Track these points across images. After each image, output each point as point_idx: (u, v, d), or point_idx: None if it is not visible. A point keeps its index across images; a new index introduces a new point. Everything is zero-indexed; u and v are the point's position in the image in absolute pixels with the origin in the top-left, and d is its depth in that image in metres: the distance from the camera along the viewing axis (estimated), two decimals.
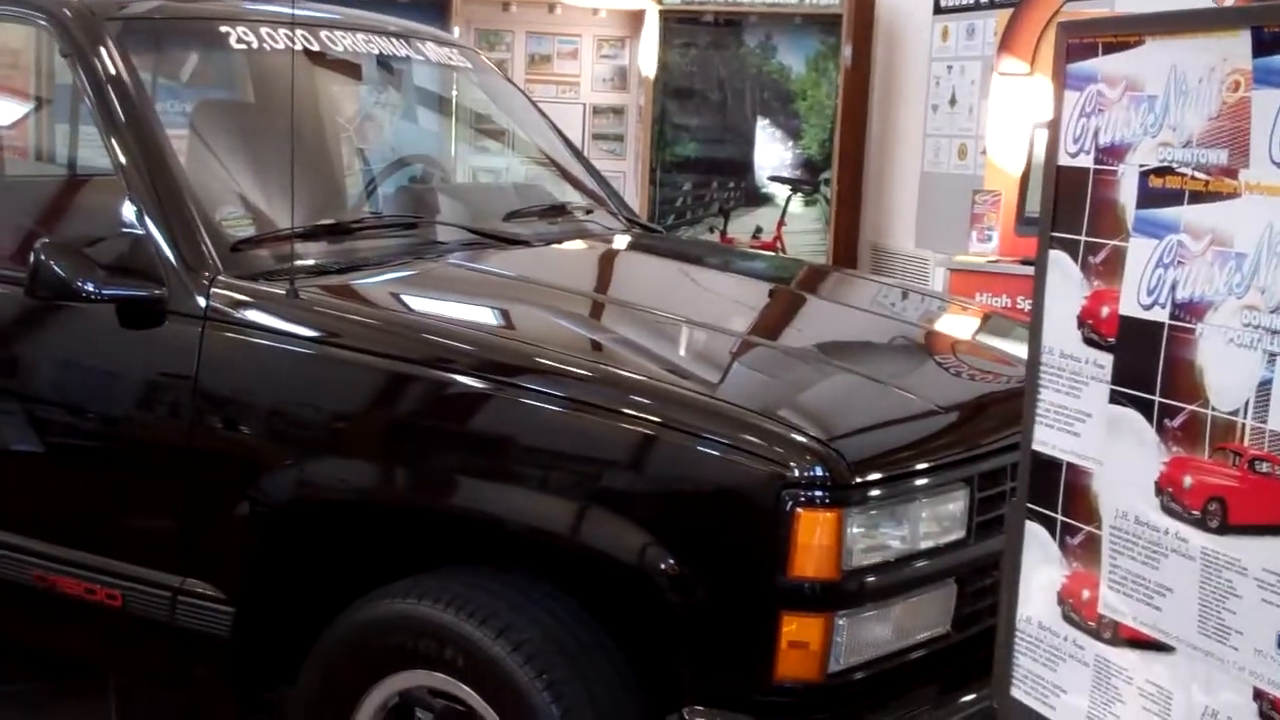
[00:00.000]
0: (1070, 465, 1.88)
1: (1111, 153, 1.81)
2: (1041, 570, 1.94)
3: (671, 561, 2.38)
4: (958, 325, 3.57)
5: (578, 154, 4.19)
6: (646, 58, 7.94)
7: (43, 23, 3.10)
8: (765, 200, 7.89)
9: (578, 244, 3.70)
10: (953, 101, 6.71)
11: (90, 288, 2.75)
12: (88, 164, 3.57)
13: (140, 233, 2.87)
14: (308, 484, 2.68)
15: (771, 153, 7.91)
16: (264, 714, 2.94)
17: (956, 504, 2.51)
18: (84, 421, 2.92)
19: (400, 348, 2.66)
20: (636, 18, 8.00)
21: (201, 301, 2.79)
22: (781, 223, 7.54)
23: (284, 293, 2.80)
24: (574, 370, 2.59)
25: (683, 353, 2.91)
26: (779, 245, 7.45)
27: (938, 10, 6.79)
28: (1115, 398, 1.80)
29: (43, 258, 2.74)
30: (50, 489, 3.01)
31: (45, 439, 2.96)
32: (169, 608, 2.82)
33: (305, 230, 3.01)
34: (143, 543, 2.87)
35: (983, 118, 6.27)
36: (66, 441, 2.94)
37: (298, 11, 3.16)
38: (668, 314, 3.05)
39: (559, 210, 3.81)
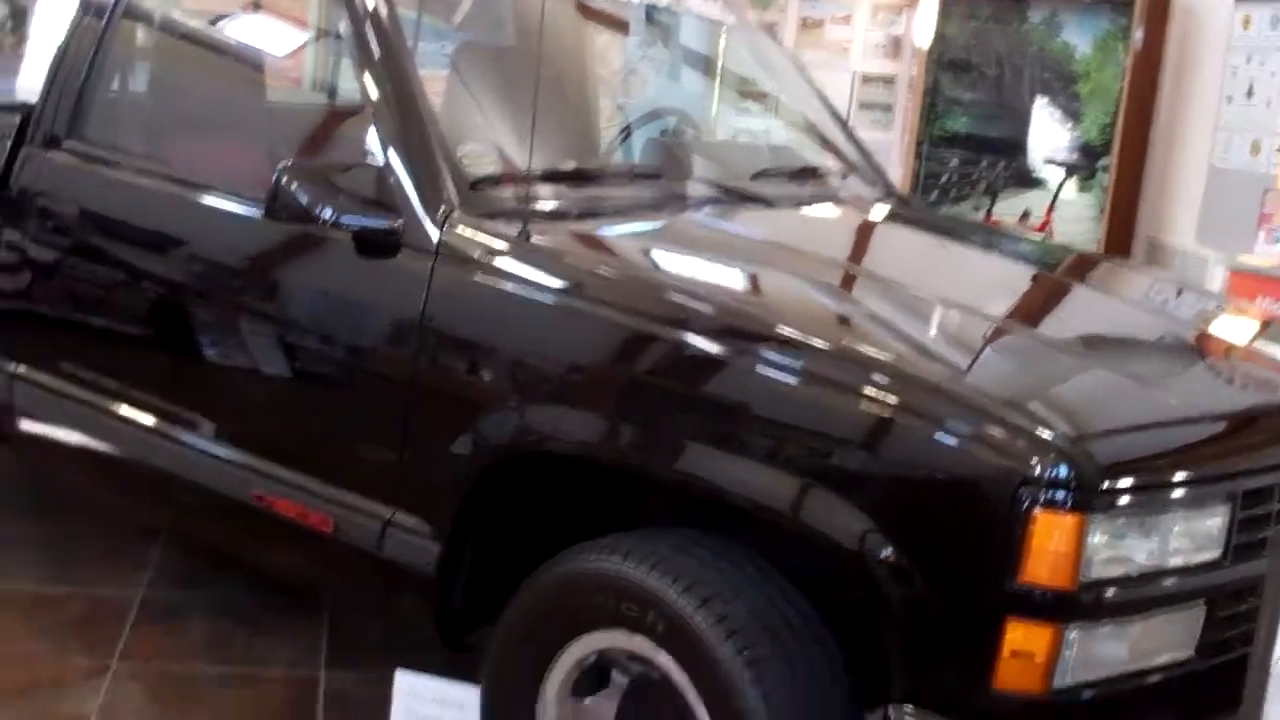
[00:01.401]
0: None
1: None
2: None
3: (893, 551, 2.23)
4: (1234, 329, 3.28)
5: (840, 121, 4.02)
6: (923, 27, 7.67)
7: None
8: (1036, 183, 7.55)
9: (829, 209, 3.55)
10: (1250, 94, 6.29)
11: (328, 214, 2.74)
12: (342, 94, 3.58)
13: (382, 164, 2.84)
14: (529, 431, 2.61)
15: (1047, 134, 7.55)
16: (466, 654, 2.89)
17: (1214, 521, 2.29)
18: (312, 346, 2.91)
19: (638, 303, 2.57)
20: None
21: (435, 236, 2.75)
22: (1052, 208, 7.19)
23: (517, 234, 2.74)
24: (815, 343, 2.44)
25: (931, 333, 2.74)
26: (1048, 231, 7.12)
27: None
28: None
29: (284, 180, 2.73)
30: (274, 409, 3.02)
31: (273, 360, 2.96)
32: (378, 538, 2.79)
33: (544, 173, 2.95)
34: (359, 471, 2.85)
35: None
36: (294, 364, 2.94)
37: None
38: (919, 290, 2.88)
39: (810, 173, 3.66)
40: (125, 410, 3.24)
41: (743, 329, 2.47)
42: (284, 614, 3.68)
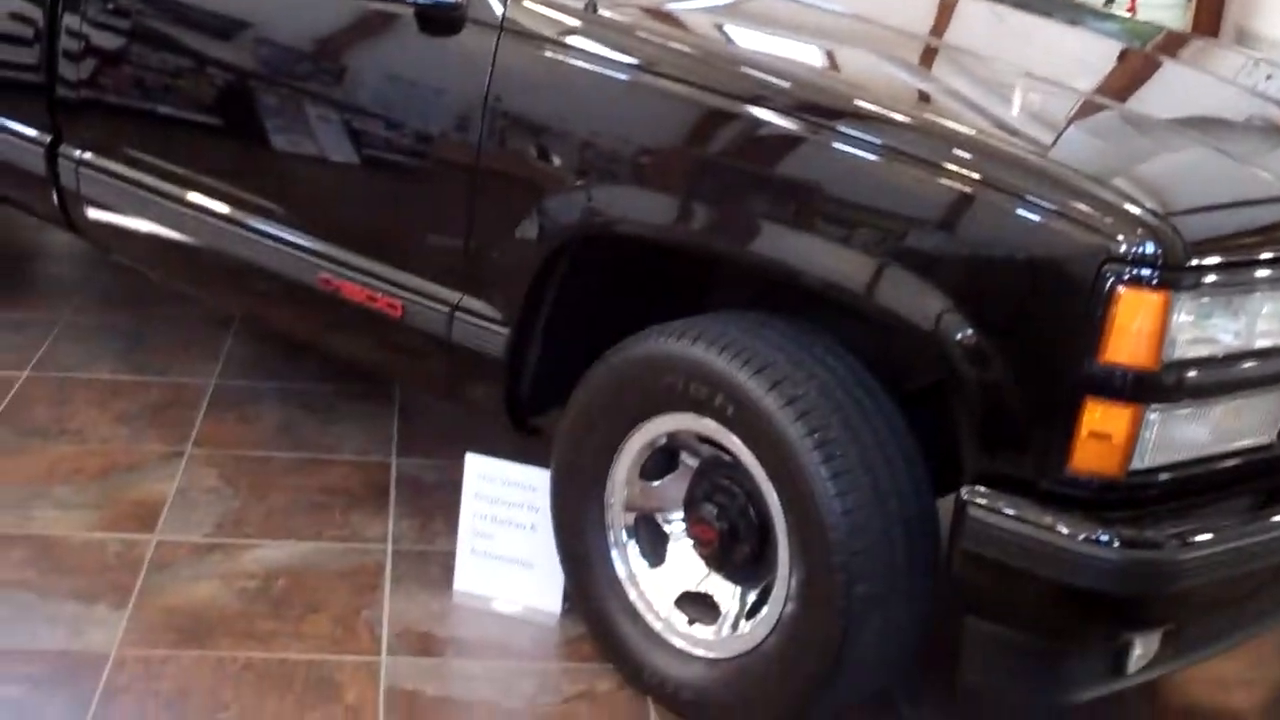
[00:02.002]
0: None
1: None
2: None
3: (970, 332, 2.17)
4: None
5: None
6: None
7: None
8: None
9: None
10: None
11: None
12: None
13: None
14: (597, 213, 2.56)
15: None
16: (533, 440, 2.90)
17: None
18: (377, 130, 2.85)
19: (712, 79, 2.48)
20: None
21: (500, 10, 2.66)
22: None
23: (584, 7, 2.65)
24: (895, 117, 2.36)
25: (1015, 109, 2.64)
26: (1134, 14, 6.86)
27: None
28: None
29: None
30: (341, 194, 2.98)
31: (339, 145, 2.91)
32: (446, 323, 2.77)
33: None
34: (425, 255, 2.82)
35: None
36: (359, 149, 2.88)
37: None
38: (1002, 65, 2.77)
39: None
40: (193, 196, 3.21)
41: (820, 104, 2.38)
42: (355, 403, 3.71)
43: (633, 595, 2.65)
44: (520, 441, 2.93)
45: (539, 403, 2.84)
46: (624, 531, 2.66)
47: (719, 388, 2.37)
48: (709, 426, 2.44)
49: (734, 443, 2.42)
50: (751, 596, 2.53)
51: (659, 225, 2.51)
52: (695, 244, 2.51)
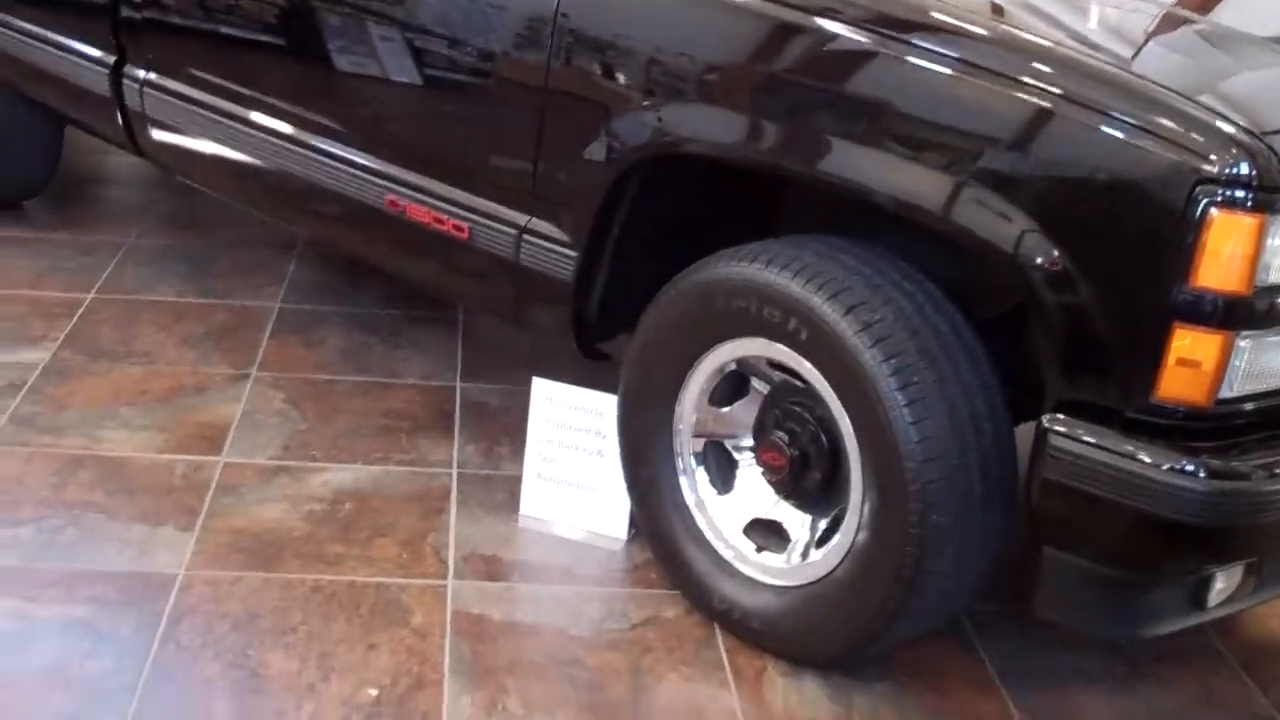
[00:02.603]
0: None
1: None
2: None
3: (1054, 254, 2.10)
4: None
5: None
6: None
7: None
8: None
9: None
10: None
11: None
12: None
13: None
14: (665, 132, 2.50)
15: None
16: (601, 362, 2.86)
17: None
18: (444, 48, 2.80)
19: None
20: None
21: None
22: None
23: None
24: (971, 29, 2.28)
25: (1093, 22, 2.55)
26: None
27: None
28: None
29: None
30: (407, 115, 2.94)
31: (405, 65, 2.86)
32: (513, 246, 2.74)
33: None
34: (493, 177, 2.77)
35: None
36: (425, 69, 2.84)
37: None
38: None
39: None
40: (257, 117, 3.19)
41: (892, 17, 2.31)
42: (419, 329, 3.70)
43: (701, 522, 2.62)
44: (585, 367, 2.91)
45: (606, 327, 2.81)
46: (692, 458, 2.62)
47: (792, 312, 2.33)
48: (781, 352, 2.40)
49: (806, 368, 2.37)
50: (822, 524, 2.49)
51: (728, 144, 2.45)
52: (765, 163, 2.45)
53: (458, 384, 3.45)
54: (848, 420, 2.33)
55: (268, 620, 2.52)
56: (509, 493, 2.96)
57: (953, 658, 2.62)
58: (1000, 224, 2.15)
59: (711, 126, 2.46)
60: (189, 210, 4.34)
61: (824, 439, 2.44)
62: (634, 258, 2.71)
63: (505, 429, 3.23)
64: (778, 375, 2.49)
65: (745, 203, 2.69)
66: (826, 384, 2.34)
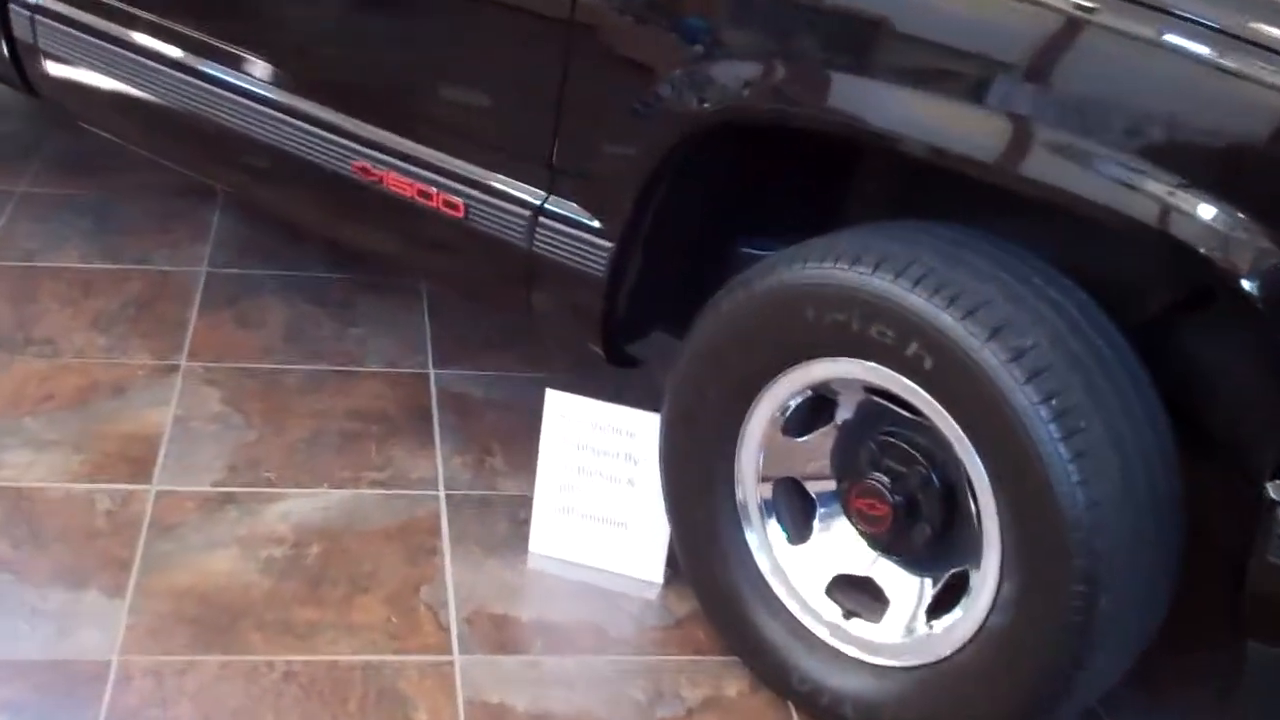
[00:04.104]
0: None
1: None
2: None
3: (1267, 246, 1.59)
4: None
5: None
6: None
7: None
8: None
9: None
10: None
11: None
12: None
13: None
14: (726, 95, 1.94)
15: None
16: (627, 367, 2.32)
17: None
18: None
19: None
20: None
21: None
22: None
23: None
24: None
25: None
26: None
27: None
28: None
29: None
30: (382, 55, 2.33)
31: None
32: (526, 230, 2.17)
33: None
34: (499, 142, 2.20)
35: None
36: None
37: None
38: None
39: None
40: (178, 53, 2.56)
41: None
42: (374, 297, 3.11)
43: (770, 577, 2.10)
44: (588, 355, 2.35)
45: (635, 326, 2.26)
46: (758, 498, 2.10)
47: (913, 333, 1.80)
48: (888, 378, 1.87)
49: (925, 401, 1.85)
50: (933, 588, 1.99)
51: (795, 104, 1.90)
52: (853, 132, 1.90)
53: (431, 370, 2.88)
54: (983, 472, 1.82)
55: None
56: (511, 519, 2.43)
57: None
58: (1186, 214, 1.63)
59: (775, 84, 1.90)
60: (89, 149, 3.64)
61: (936, 482, 1.93)
62: (673, 245, 2.17)
63: (496, 430, 2.69)
64: (873, 401, 1.97)
65: (808, 183, 2.15)
66: (955, 425, 1.82)
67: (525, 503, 2.43)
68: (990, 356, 1.75)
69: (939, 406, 1.83)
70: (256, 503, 2.42)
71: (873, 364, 1.87)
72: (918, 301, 1.79)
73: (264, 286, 3.12)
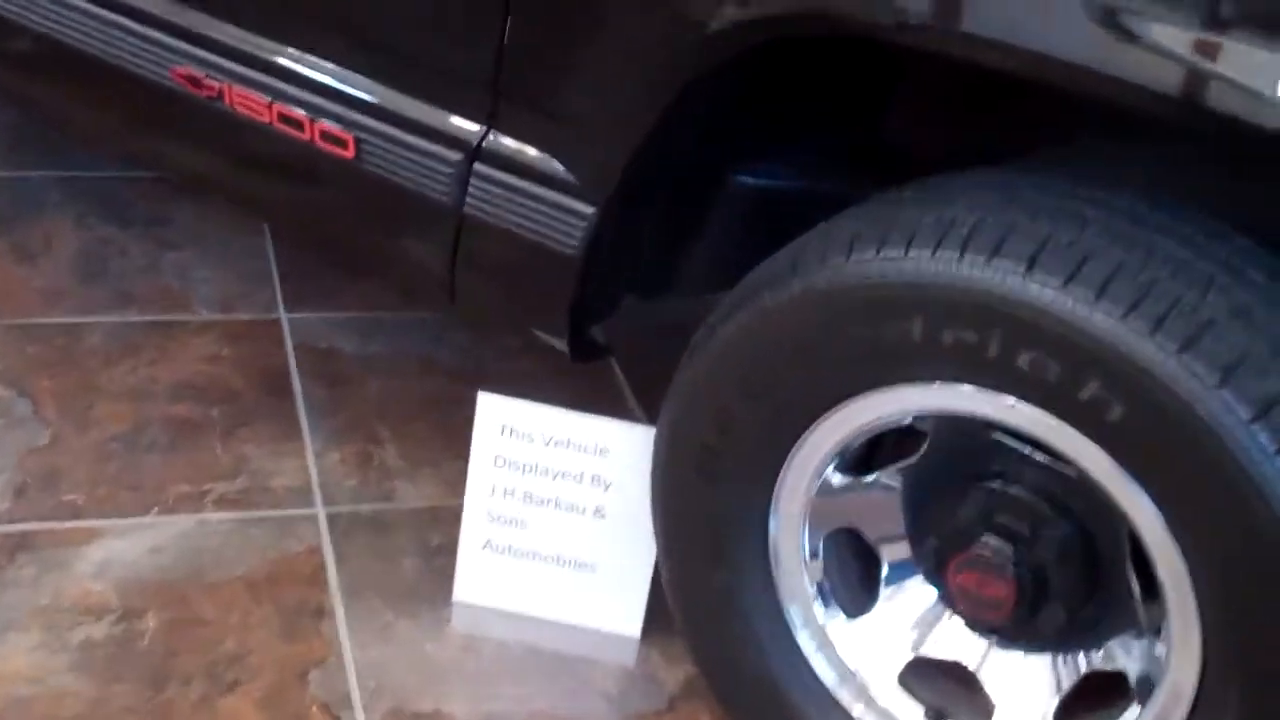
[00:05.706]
0: None
1: None
2: None
3: None
4: None
5: None
6: None
7: None
8: None
9: None
10: None
11: None
12: None
13: None
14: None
15: None
16: (593, 359, 1.66)
17: None
18: None
19: None
20: None
21: None
22: None
23: None
24: None
25: None
26: None
27: None
28: None
29: None
30: None
31: None
32: (452, 181, 1.47)
33: None
34: (413, 47, 1.48)
35: None
36: None
37: None
38: None
39: None
40: None
41: None
42: (194, 204, 2.37)
43: (817, 662, 1.50)
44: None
45: (601, 301, 1.60)
46: (806, 556, 1.49)
47: (1096, 371, 1.18)
48: (1038, 421, 1.25)
49: (1091, 457, 1.24)
50: (1070, 672, 1.42)
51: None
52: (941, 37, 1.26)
53: (282, 315, 2.18)
54: (1179, 560, 1.23)
55: None
56: (421, 550, 1.79)
57: None
58: None
59: None
60: None
61: (1079, 551, 1.34)
62: (655, 187, 1.51)
63: (380, 405, 2.02)
64: (989, 439, 1.35)
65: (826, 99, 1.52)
66: (1143, 497, 1.22)
67: (435, 518, 1.80)
68: (1225, 412, 1.14)
69: (1114, 467, 1.23)
70: (60, 548, 1.72)
71: (1013, 401, 1.25)
72: (1106, 324, 1.17)
73: (45, 198, 2.35)
